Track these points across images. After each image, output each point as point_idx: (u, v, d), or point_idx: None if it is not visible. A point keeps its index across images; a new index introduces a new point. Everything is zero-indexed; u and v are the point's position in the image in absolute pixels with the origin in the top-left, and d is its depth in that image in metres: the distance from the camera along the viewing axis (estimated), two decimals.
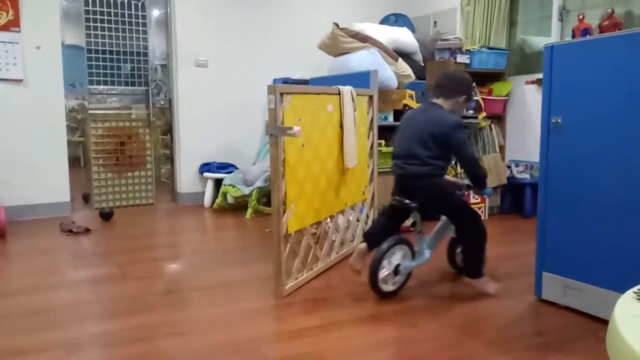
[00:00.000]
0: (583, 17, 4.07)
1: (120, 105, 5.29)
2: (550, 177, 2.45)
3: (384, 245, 2.52)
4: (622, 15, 3.96)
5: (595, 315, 2.29)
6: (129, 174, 5.10)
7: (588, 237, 2.30)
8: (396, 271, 2.58)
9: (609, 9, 3.92)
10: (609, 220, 2.21)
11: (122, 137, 5.04)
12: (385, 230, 2.72)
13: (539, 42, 4.73)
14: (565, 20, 4.47)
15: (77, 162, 5.31)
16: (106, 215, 4.48)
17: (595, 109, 2.25)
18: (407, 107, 4.16)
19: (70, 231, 3.97)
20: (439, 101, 2.66)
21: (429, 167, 2.52)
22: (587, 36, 3.90)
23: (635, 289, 1.17)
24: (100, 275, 2.98)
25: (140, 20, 5.13)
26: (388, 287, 2.57)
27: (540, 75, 4.37)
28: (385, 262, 2.52)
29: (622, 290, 2.10)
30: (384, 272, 2.52)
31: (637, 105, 2.09)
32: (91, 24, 4.94)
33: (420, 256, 2.67)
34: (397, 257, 2.58)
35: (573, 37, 4.08)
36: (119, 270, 3.08)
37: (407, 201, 2.56)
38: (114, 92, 5.22)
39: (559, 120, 2.39)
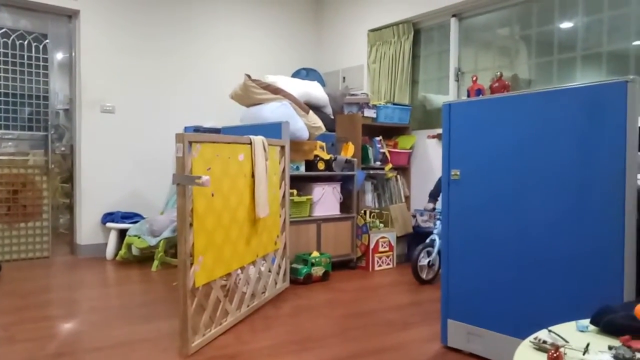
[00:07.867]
0: (476, 79, 4.45)
1: (16, 150, 4.92)
2: (452, 227, 2.59)
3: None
4: (509, 78, 4.39)
5: None
6: (22, 224, 4.71)
7: (487, 284, 2.43)
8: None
9: (498, 72, 4.33)
10: (505, 268, 2.35)
11: (15, 185, 4.68)
12: None
13: (438, 99, 5.08)
14: (461, 80, 4.86)
15: None
16: None
17: (489, 162, 2.42)
18: (317, 158, 4.25)
19: None
20: None
21: None
22: (480, 96, 4.26)
23: (531, 337, 1.23)
24: None
25: (42, 63, 4.88)
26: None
27: (440, 130, 4.69)
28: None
29: (520, 335, 2.24)
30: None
31: (524, 159, 2.29)
32: None
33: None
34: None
35: (468, 96, 4.44)
36: (3, 332, 2.77)
37: None
38: (9, 136, 4.86)
39: (458, 173, 2.55)
